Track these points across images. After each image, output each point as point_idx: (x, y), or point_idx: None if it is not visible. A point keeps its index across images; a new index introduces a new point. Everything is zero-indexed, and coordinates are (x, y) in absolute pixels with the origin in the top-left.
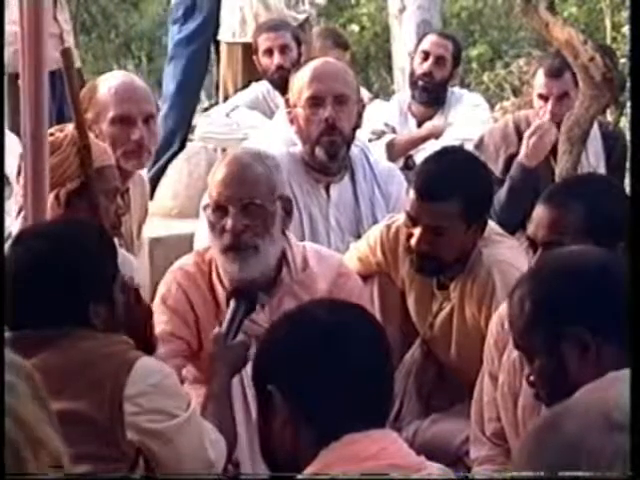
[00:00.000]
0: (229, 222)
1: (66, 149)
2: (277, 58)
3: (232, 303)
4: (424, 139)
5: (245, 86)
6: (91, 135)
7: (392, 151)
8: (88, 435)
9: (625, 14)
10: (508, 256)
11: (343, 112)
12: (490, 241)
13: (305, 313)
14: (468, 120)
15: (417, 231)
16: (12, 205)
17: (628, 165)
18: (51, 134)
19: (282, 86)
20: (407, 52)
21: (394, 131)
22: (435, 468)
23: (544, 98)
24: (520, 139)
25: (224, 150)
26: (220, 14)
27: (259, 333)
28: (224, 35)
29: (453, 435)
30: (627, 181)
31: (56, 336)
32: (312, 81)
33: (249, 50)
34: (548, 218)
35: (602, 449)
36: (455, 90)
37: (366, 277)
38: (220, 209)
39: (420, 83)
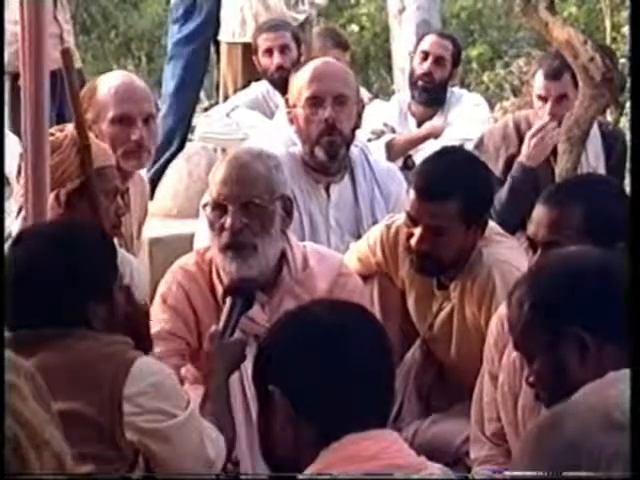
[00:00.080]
0: (228, 220)
1: (66, 149)
2: (277, 58)
3: (228, 300)
4: (424, 139)
5: (245, 86)
6: (91, 135)
7: (392, 151)
8: (87, 435)
9: (625, 14)
10: (508, 256)
11: (343, 112)
12: (490, 241)
13: (306, 313)
14: (468, 120)
15: (417, 231)
16: (12, 205)
17: (628, 165)
18: (51, 134)
19: (282, 86)
20: (407, 52)
21: (394, 131)
22: (436, 468)
23: (543, 99)
24: (520, 139)
25: (224, 150)
26: (220, 14)
27: (259, 332)
28: (224, 35)
29: (453, 435)
30: (627, 181)
31: (55, 336)
32: (312, 81)
33: (249, 50)
34: (548, 218)
35: (602, 449)
36: (455, 90)
37: (366, 277)
38: (219, 208)
39: (420, 83)
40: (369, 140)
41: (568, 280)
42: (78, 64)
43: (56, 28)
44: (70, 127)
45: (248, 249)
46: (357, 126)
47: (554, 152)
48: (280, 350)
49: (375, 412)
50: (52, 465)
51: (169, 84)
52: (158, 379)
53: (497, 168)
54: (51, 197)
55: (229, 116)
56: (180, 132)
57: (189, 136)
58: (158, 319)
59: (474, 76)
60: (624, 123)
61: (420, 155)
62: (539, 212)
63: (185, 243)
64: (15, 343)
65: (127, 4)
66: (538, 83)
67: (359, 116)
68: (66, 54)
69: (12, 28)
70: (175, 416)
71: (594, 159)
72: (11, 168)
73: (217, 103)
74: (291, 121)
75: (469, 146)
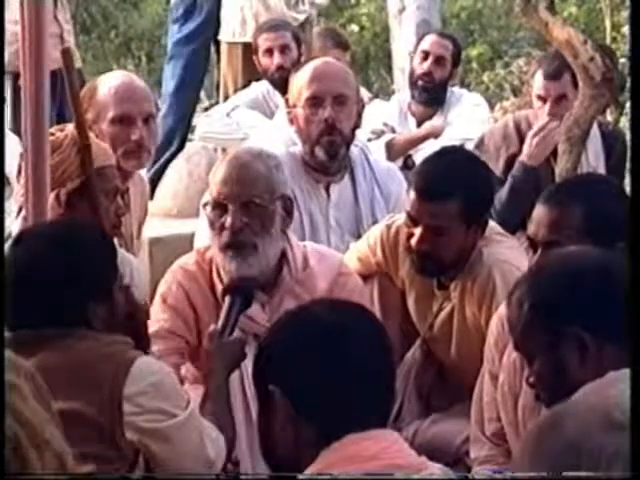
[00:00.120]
0: (228, 220)
1: (66, 149)
2: (277, 58)
3: (227, 299)
4: (423, 139)
5: (245, 86)
6: (91, 135)
7: (391, 151)
8: (87, 435)
9: (625, 14)
10: (508, 256)
11: (343, 112)
12: (490, 241)
13: (306, 313)
14: (468, 120)
15: (417, 231)
16: (12, 205)
17: (628, 165)
18: (51, 134)
19: (282, 86)
20: (407, 52)
21: (394, 131)
22: (436, 468)
23: (542, 99)
24: (520, 139)
25: (224, 150)
26: (220, 14)
27: (259, 332)
28: (224, 35)
29: (453, 435)
30: (627, 181)
31: (55, 336)
32: (312, 81)
33: (249, 50)
34: (548, 218)
35: (602, 449)
36: (455, 90)
37: (366, 277)
38: (220, 207)
39: (420, 83)
40: (369, 140)
41: (568, 280)
42: (78, 64)
43: (56, 28)
44: (70, 127)
45: (248, 248)
46: (357, 126)
47: (554, 152)
48: (280, 350)
49: (375, 412)
50: (53, 465)
51: (169, 84)
52: (158, 379)
53: (498, 168)
54: (51, 197)
55: (229, 116)
56: (180, 132)
57: (189, 136)
58: (158, 318)
59: (474, 76)
60: (624, 123)
61: (420, 155)
62: (539, 212)
63: (185, 243)
64: (15, 343)
65: (127, 4)
66: (537, 83)
67: (359, 116)
68: (66, 54)
69: (12, 28)
70: (175, 416)
71: (594, 159)
72: (11, 168)
73: (217, 103)
74: (291, 121)
75: (469, 146)
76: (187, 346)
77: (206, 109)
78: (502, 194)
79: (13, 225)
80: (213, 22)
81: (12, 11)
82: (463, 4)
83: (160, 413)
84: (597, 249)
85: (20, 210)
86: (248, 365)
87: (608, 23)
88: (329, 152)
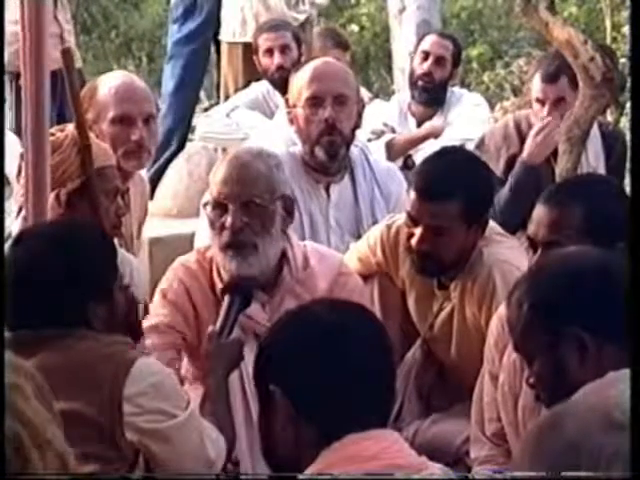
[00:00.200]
0: (229, 220)
1: (66, 149)
2: (277, 58)
3: (226, 299)
4: (423, 139)
5: (246, 86)
6: (92, 135)
7: (391, 151)
8: (87, 435)
9: (625, 14)
10: (509, 256)
11: (343, 112)
12: (491, 241)
13: (306, 313)
14: (468, 120)
15: (418, 231)
16: (12, 205)
17: (628, 165)
18: (52, 134)
19: (282, 86)
20: (407, 52)
21: (394, 131)
22: (436, 468)
23: (541, 102)
24: (521, 139)
25: (224, 150)
26: (220, 14)
27: (260, 331)
28: (225, 35)
29: (453, 435)
30: (627, 181)
31: (55, 336)
32: (312, 81)
33: (250, 50)
34: (548, 218)
35: (602, 449)
36: (455, 90)
37: (366, 277)
38: (220, 207)
39: (420, 83)
40: (369, 140)
41: (568, 280)
42: (79, 64)
43: (56, 28)
44: (70, 127)
45: (248, 248)
46: (357, 126)
47: (554, 152)
48: (281, 350)
49: (376, 412)
50: (55, 465)
51: (169, 84)
52: (158, 379)
53: (498, 168)
54: (51, 197)
55: (229, 116)
56: (180, 132)
57: (189, 136)
58: (158, 313)
59: (474, 76)
60: (624, 123)
61: (420, 155)
62: (539, 212)
63: (185, 243)
64: (15, 343)
65: (128, 4)
66: (536, 86)
67: (359, 116)
68: (67, 54)
69: (12, 28)
70: (175, 416)
71: (594, 159)
72: (11, 168)
73: (217, 103)
74: (291, 121)
75: (469, 146)
76: (184, 342)
77: (206, 109)
78: (503, 194)
79: (13, 225)
80: (213, 22)
81: (12, 11)
82: (463, 4)
83: (160, 414)
84: (597, 249)
85: (20, 210)
86: (248, 365)
87: (608, 23)
88: (329, 152)
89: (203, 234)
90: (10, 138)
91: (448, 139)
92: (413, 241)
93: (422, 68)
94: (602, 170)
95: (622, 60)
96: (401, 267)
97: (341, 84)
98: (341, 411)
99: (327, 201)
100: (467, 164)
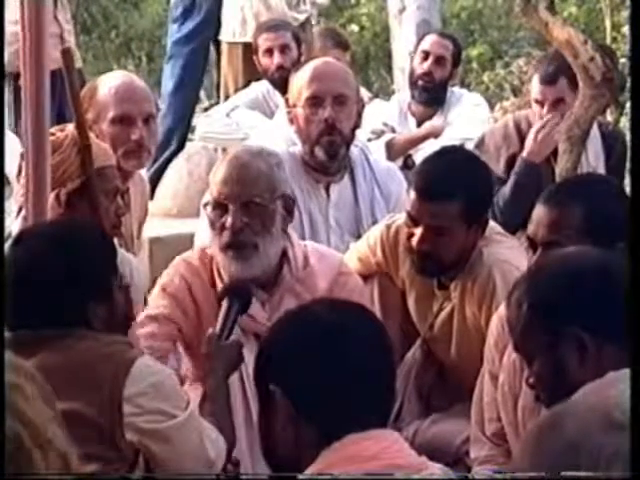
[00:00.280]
0: (229, 220)
1: (66, 149)
2: (277, 58)
3: (225, 302)
4: (423, 139)
5: (246, 86)
6: (92, 135)
7: (391, 151)
8: (87, 436)
9: (625, 14)
10: (509, 256)
11: (343, 112)
12: (491, 241)
13: (306, 312)
14: (468, 120)
15: (418, 231)
16: (12, 205)
17: (628, 165)
18: (52, 134)
19: (282, 86)
20: (407, 52)
21: (394, 131)
22: (436, 468)
23: (540, 103)
24: (521, 139)
25: (224, 150)
26: (220, 14)
27: (259, 331)
28: (225, 35)
29: (453, 435)
30: (627, 181)
31: (55, 336)
32: (312, 81)
33: (250, 50)
34: (548, 218)
35: (602, 449)
36: (455, 90)
37: (366, 277)
38: (220, 207)
39: (420, 83)
40: (369, 140)
41: (567, 280)
42: (79, 64)
43: (56, 28)
44: (71, 127)
45: (249, 248)
46: (357, 126)
47: (554, 152)
48: (280, 350)
49: (376, 412)
50: (57, 465)
51: (168, 83)
52: (158, 379)
53: (498, 168)
54: (51, 197)
55: (229, 116)
56: (179, 131)
57: (189, 136)
58: (158, 304)
59: (474, 76)
60: (624, 123)
61: (420, 155)
62: (539, 212)
63: (185, 242)
64: (15, 343)
65: (128, 4)
66: (534, 88)
67: (359, 116)
68: (66, 54)
69: (12, 28)
70: (175, 416)
71: (594, 159)
72: (11, 168)
73: (217, 103)
74: (291, 121)
75: (469, 146)
76: (180, 334)
77: (206, 109)
78: (505, 193)
79: (13, 225)
80: (212, 22)
81: (12, 11)
82: (463, 4)
83: (160, 414)
84: (597, 249)
85: (20, 210)
86: (248, 365)
87: (608, 23)
88: (329, 152)
89: (203, 234)
90: (10, 138)
91: (448, 139)
92: (413, 241)
93: (422, 68)
94: (602, 170)
95: (622, 60)
96: (401, 267)
97: (341, 84)
98: (341, 411)
99: (327, 201)
100: (467, 164)
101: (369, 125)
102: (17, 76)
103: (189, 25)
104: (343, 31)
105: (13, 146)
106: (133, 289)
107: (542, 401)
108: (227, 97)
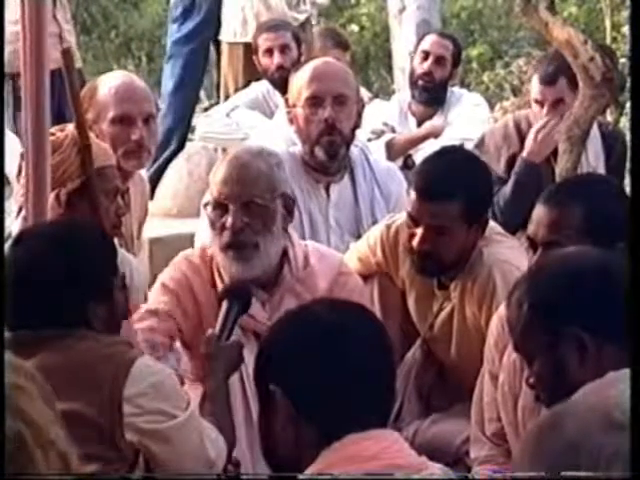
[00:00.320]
0: (229, 220)
1: (67, 149)
2: (277, 58)
3: (224, 304)
4: (423, 139)
5: (246, 86)
6: (92, 135)
7: (391, 150)
8: (87, 436)
9: (625, 14)
10: (509, 256)
11: (343, 112)
12: (491, 241)
13: (306, 312)
14: (468, 120)
15: (419, 231)
16: (12, 205)
17: (628, 165)
18: (52, 134)
19: (282, 86)
20: (407, 52)
21: (394, 131)
22: (436, 468)
23: (539, 103)
24: (521, 139)
25: (224, 150)
26: (220, 14)
27: (260, 330)
28: (225, 35)
29: (453, 435)
30: (627, 181)
31: (55, 336)
32: (312, 81)
33: (250, 50)
34: (548, 218)
35: (602, 449)
36: (455, 90)
37: (366, 277)
38: (220, 207)
39: (420, 83)
40: (369, 140)
41: (567, 280)
42: (78, 64)
43: (55, 27)
44: (71, 127)
45: (249, 248)
46: (357, 126)
47: (554, 152)
48: (281, 350)
49: (376, 412)
50: (58, 465)
51: (168, 83)
52: (158, 380)
53: (499, 168)
54: (51, 197)
55: (229, 116)
56: (179, 131)
57: (189, 136)
58: (158, 300)
59: (474, 76)
60: (624, 123)
61: (420, 155)
62: (539, 212)
63: (185, 243)
64: (15, 343)
65: (127, 4)
66: (534, 88)
67: (359, 116)
68: (66, 54)
69: (12, 28)
70: (175, 417)
71: (594, 159)
72: (11, 168)
73: (217, 103)
74: (291, 121)
75: (469, 146)
76: (180, 333)
77: (206, 109)
78: (505, 193)
79: (13, 225)
80: (212, 21)
81: (12, 11)
82: (463, 4)
83: (160, 414)
84: (597, 249)
85: (20, 210)
86: (248, 365)
87: (608, 23)
88: (329, 152)
89: (203, 234)
90: (10, 138)
91: (448, 139)
92: (414, 241)
93: (422, 68)
94: (602, 170)
95: (622, 60)
96: (401, 267)
97: (341, 84)
98: (341, 411)
99: (327, 201)
100: (467, 164)
101: (369, 125)
102: (17, 76)
103: (189, 25)
104: (343, 31)
105: (13, 146)
106: (133, 289)
107: (542, 401)
108: (227, 97)
